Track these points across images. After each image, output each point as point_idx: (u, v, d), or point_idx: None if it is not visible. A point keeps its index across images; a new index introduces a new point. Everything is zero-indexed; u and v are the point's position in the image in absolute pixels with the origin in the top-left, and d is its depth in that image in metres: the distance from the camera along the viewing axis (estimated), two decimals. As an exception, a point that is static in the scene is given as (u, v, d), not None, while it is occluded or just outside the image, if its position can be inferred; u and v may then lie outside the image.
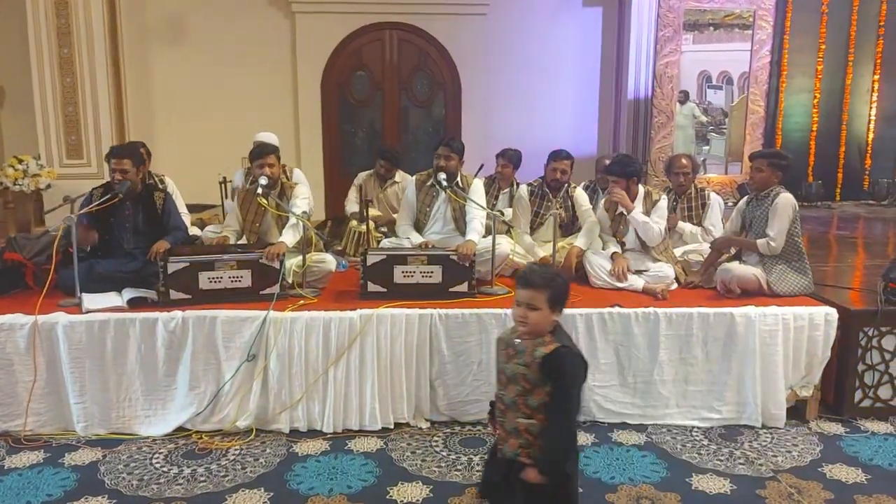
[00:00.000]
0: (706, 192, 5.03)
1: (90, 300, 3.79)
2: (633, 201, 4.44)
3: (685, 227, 4.88)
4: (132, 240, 4.24)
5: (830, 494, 3.13)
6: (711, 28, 8.53)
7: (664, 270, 4.31)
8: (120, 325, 3.66)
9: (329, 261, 4.34)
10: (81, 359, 3.65)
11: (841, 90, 8.80)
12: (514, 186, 5.55)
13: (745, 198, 4.41)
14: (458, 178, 4.68)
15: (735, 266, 4.13)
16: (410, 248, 4.47)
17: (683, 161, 5.04)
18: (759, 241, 4.10)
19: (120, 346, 3.67)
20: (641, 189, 4.49)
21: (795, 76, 8.69)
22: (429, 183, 4.75)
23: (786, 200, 4.07)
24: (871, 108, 8.82)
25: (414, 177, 4.94)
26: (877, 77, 8.77)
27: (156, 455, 3.48)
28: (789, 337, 3.82)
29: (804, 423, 3.87)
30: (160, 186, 4.69)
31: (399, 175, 5.80)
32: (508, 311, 3.79)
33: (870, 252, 6.10)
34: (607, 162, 5.21)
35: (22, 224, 6.96)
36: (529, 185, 4.91)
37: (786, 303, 3.93)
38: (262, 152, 4.34)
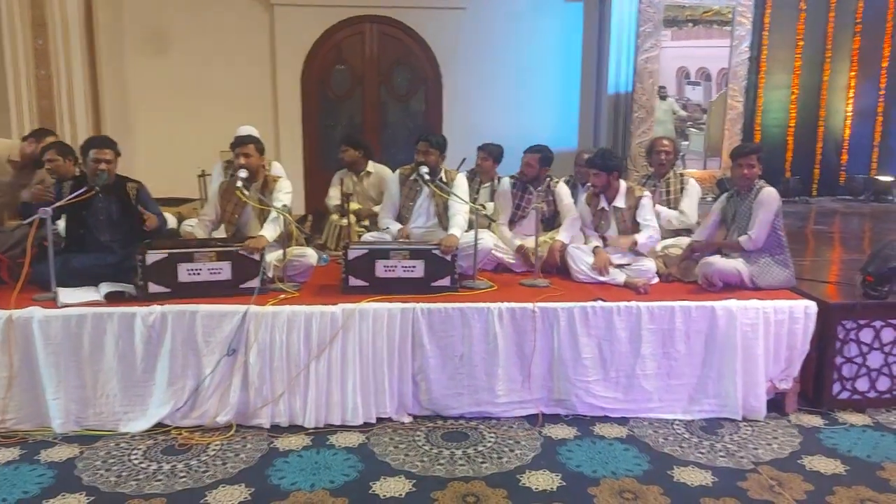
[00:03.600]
0: (685, 177, 5.05)
1: (66, 294, 3.72)
2: (615, 196, 4.46)
3: (662, 210, 4.89)
4: (108, 232, 4.16)
5: (811, 486, 3.16)
6: (690, 24, 8.57)
7: (645, 265, 4.32)
8: (97, 320, 3.60)
9: (310, 255, 4.31)
10: (58, 354, 3.59)
11: (818, 87, 8.90)
12: (496, 181, 5.53)
13: (725, 194, 4.44)
14: (442, 173, 4.66)
15: (717, 260, 4.15)
16: (392, 241, 4.45)
17: (664, 141, 5.09)
18: (741, 239, 4.13)
19: (97, 341, 3.61)
20: (623, 184, 4.50)
21: (774, 72, 8.77)
22: (412, 177, 4.72)
23: (770, 194, 4.10)
24: (847, 104, 8.93)
25: (397, 171, 4.90)
26: (853, 74, 8.87)
27: (134, 451, 3.43)
28: (770, 330, 3.85)
29: (783, 416, 3.91)
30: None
31: (371, 166, 5.71)
32: (491, 306, 3.79)
33: (846, 246, 6.18)
34: (586, 156, 5.22)
35: (-5, 217, 6.82)
36: (512, 177, 4.90)
37: (766, 296, 3.96)
38: (240, 142, 4.31)
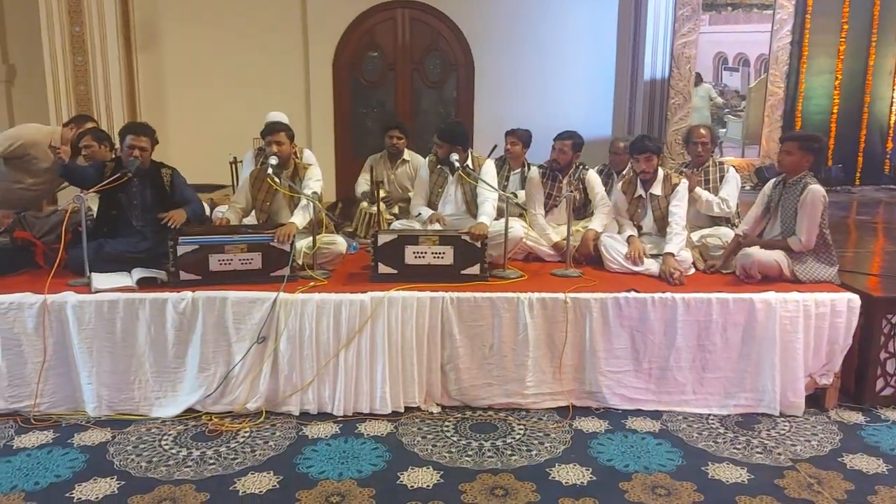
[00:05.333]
0: (725, 165, 4.90)
1: (100, 280, 3.75)
2: (653, 182, 4.35)
3: (702, 193, 4.74)
4: (141, 217, 4.19)
5: (851, 485, 3.06)
6: (729, 8, 8.35)
7: (681, 255, 4.21)
8: (129, 306, 3.63)
9: (339, 242, 4.29)
10: (91, 339, 3.63)
11: (863, 71, 8.59)
12: (526, 168, 5.46)
13: (773, 181, 4.28)
14: (469, 160, 4.60)
15: (756, 251, 4.02)
16: (421, 228, 4.41)
17: (702, 131, 4.92)
18: (791, 240, 3.99)
19: (129, 327, 3.64)
20: (661, 172, 4.39)
21: (817, 57, 8.49)
22: (440, 164, 4.67)
23: (815, 195, 3.93)
24: (893, 90, 8.62)
25: (427, 158, 4.86)
26: (900, 58, 8.56)
27: (165, 437, 3.45)
28: (810, 324, 3.74)
29: (823, 412, 3.80)
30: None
31: (408, 154, 5.70)
32: (521, 296, 3.73)
33: (890, 237, 5.98)
34: (621, 144, 5.11)
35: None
36: (540, 166, 4.83)
37: (807, 289, 3.83)
38: (272, 130, 4.31)
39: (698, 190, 4.72)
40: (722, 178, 4.79)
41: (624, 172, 4.96)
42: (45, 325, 3.58)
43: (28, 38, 7.62)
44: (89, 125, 4.76)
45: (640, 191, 4.42)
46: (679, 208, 4.28)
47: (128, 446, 3.35)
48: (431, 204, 4.74)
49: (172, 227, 3.94)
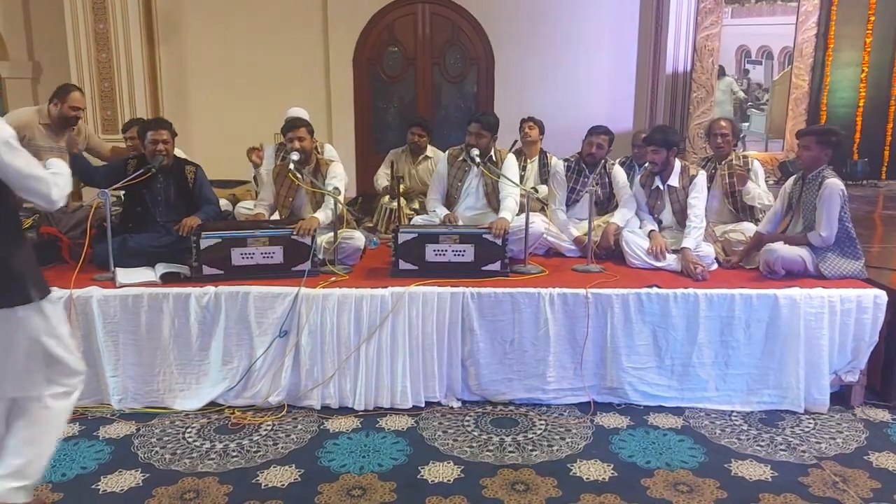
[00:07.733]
0: (749, 158, 4.82)
1: (124, 275, 3.80)
2: (670, 174, 4.32)
3: (752, 188, 4.61)
4: (164, 213, 4.25)
5: (877, 483, 3.02)
6: (752, 0, 8.25)
7: (704, 249, 4.18)
8: (153, 300, 3.67)
9: (358, 237, 4.30)
10: (116, 333, 3.67)
11: (890, 64, 8.44)
12: (547, 158, 5.44)
13: (792, 178, 4.24)
14: (492, 154, 4.59)
15: (780, 247, 3.98)
16: (441, 225, 4.40)
17: (722, 123, 4.83)
18: (811, 235, 3.94)
19: (154, 321, 3.68)
20: (678, 164, 4.36)
21: (842, 49, 8.35)
22: (461, 158, 4.66)
23: (832, 189, 3.88)
24: (921, 82, 8.47)
25: (446, 152, 4.85)
26: (928, 50, 8.40)
27: (189, 429, 3.49)
28: (836, 320, 3.69)
29: (848, 409, 3.75)
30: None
31: (431, 150, 5.71)
32: (542, 291, 3.72)
33: (918, 233, 5.88)
34: (644, 136, 5.07)
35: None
36: (566, 160, 4.80)
37: (833, 285, 3.79)
38: (293, 125, 4.32)
39: (750, 185, 4.61)
40: (748, 171, 4.72)
41: (646, 165, 4.91)
42: (71, 319, 3.62)
43: (53, 35, 7.73)
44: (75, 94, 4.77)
45: (657, 182, 4.38)
46: (698, 200, 4.24)
47: (152, 439, 3.40)
48: (450, 197, 4.73)
49: (188, 233, 3.96)
